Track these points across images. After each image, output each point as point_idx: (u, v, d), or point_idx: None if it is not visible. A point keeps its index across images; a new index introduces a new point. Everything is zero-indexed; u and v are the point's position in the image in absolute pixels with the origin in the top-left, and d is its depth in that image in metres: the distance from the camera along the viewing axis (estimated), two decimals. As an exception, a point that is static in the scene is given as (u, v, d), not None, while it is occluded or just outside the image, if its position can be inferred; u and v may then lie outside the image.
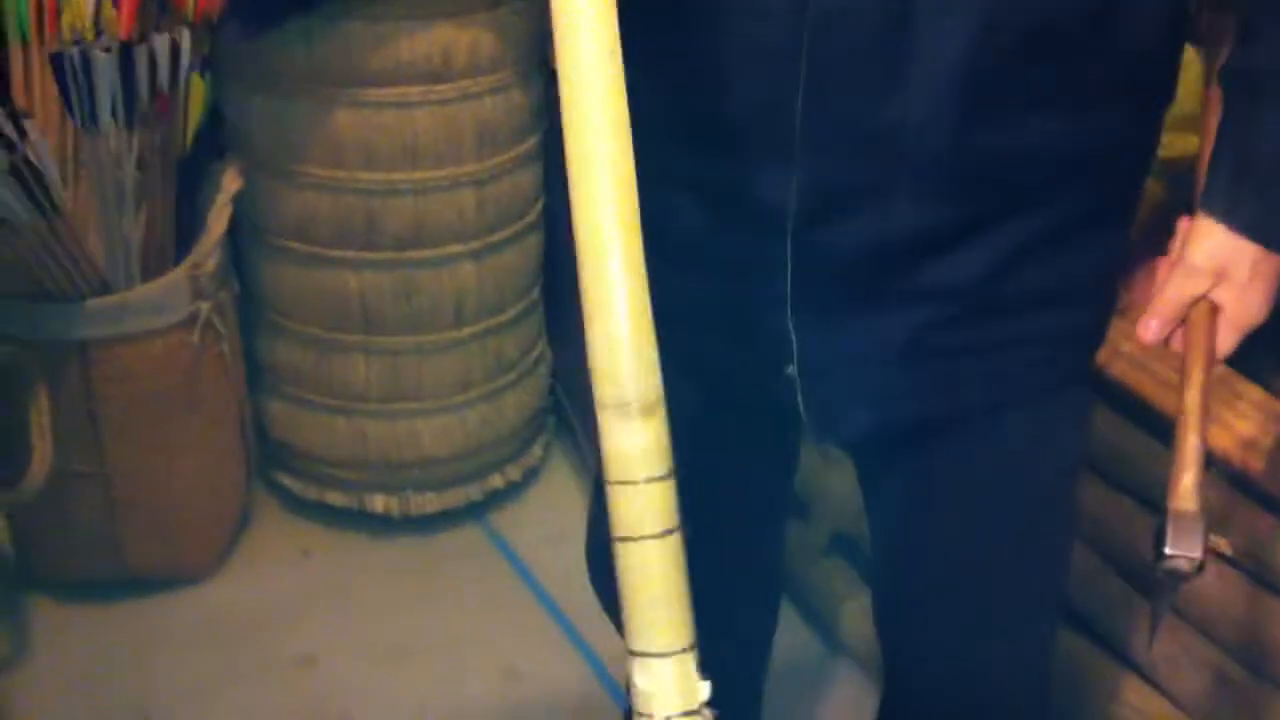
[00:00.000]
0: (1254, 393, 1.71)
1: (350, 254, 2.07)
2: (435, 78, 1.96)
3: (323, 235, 2.06)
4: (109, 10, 1.78)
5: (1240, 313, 1.05)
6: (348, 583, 2.20)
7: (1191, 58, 1.53)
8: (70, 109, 1.82)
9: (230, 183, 2.02)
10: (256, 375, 2.25)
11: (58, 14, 1.80)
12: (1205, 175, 1.07)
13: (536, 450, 2.38)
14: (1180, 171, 1.71)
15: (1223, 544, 1.67)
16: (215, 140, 2.08)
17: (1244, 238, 1.03)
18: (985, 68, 0.94)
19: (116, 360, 1.97)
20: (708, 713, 0.84)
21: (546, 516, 2.33)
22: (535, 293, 2.29)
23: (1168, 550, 1.03)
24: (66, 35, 1.78)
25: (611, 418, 0.83)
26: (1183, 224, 1.08)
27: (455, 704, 1.97)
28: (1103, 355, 1.37)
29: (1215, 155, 1.05)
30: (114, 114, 1.83)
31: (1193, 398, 1.05)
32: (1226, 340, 1.06)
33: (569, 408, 2.42)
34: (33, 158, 1.71)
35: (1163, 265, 1.08)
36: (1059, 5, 0.95)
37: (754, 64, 0.99)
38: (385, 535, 2.28)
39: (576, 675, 2.02)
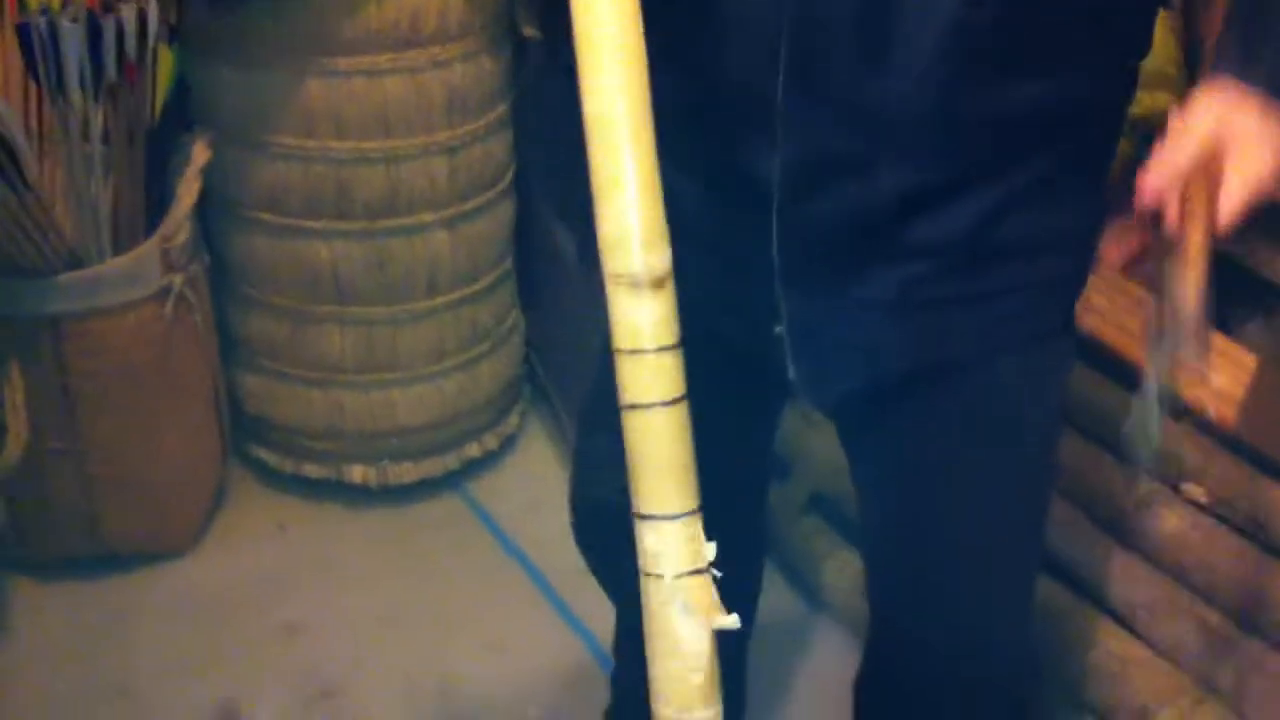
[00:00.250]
0: (1227, 345, 1.73)
1: (322, 224, 2.06)
2: (405, 45, 1.95)
3: (294, 206, 2.05)
4: (75, -21, 1.76)
5: (1248, 167, 0.97)
6: (327, 554, 2.19)
7: (1162, 16, 1.55)
8: (37, 80, 1.80)
9: (199, 154, 2.00)
10: (230, 349, 2.24)
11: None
12: (1217, 43, 1.05)
13: (513, 418, 2.39)
14: (1150, 129, 1.73)
15: (1198, 492, 1.70)
16: (184, 112, 2.06)
17: (1258, 91, 0.97)
18: (970, 34, 0.95)
19: (89, 335, 1.95)
20: (713, 572, 0.87)
21: (524, 484, 2.34)
22: (508, 261, 2.28)
23: (1169, 348, 0.95)
24: (33, 5, 1.76)
25: (622, 290, 0.85)
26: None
27: (440, 673, 1.97)
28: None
29: (1228, 21, 1.04)
30: (81, 85, 1.81)
31: (1194, 244, 0.98)
32: (1234, 198, 0.97)
33: (544, 376, 2.42)
34: (1, 130, 1.69)
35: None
36: None
37: (735, 40, 1.01)
38: (363, 506, 2.27)
39: (559, 640, 2.03)
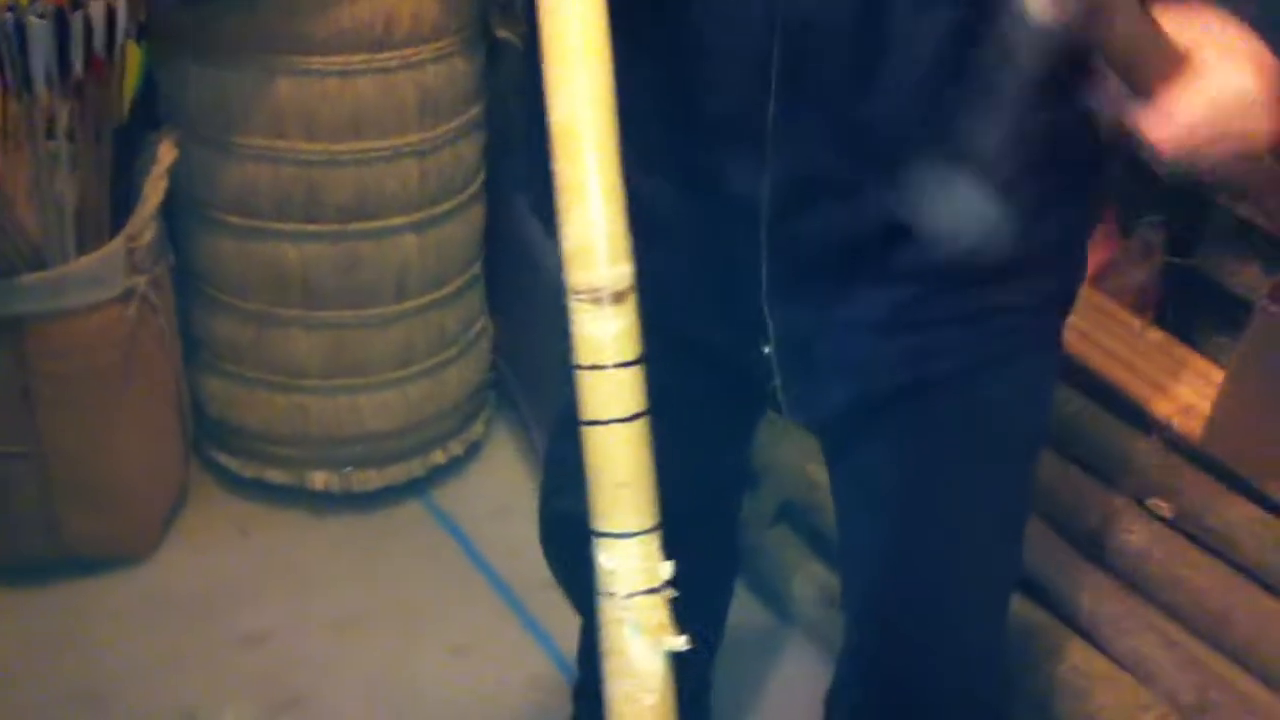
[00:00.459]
0: (1193, 359, 1.74)
1: (291, 226, 2.03)
2: (377, 45, 1.93)
3: (263, 207, 2.02)
4: (42, -26, 1.73)
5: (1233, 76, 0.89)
6: (290, 560, 2.17)
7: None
8: (2, 76, 1.77)
9: (166, 153, 1.98)
10: (193, 351, 2.21)
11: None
12: None
13: (479, 425, 2.37)
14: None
15: (1164, 507, 1.71)
16: (151, 110, 2.03)
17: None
18: (959, 63, 0.95)
19: (51, 336, 1.92)
20: (669, 591, 0.86)
21: (490, 491, 2.32)
22: (477, 266, 2.27)
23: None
24: (-1, 0, 1.73)
25: (584, 304, 0.84)
26: None
27: (403, 680, 1.95)
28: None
29: None
30: (48, 81, 1.78)
31: None
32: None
33: (512, 382, 2.40)
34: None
35: None
36: None
37: (725, 57, 1.00)
38: (326, 512, 2.25)
39: (523, 649, 2.01)
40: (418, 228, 2.09)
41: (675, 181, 1.07)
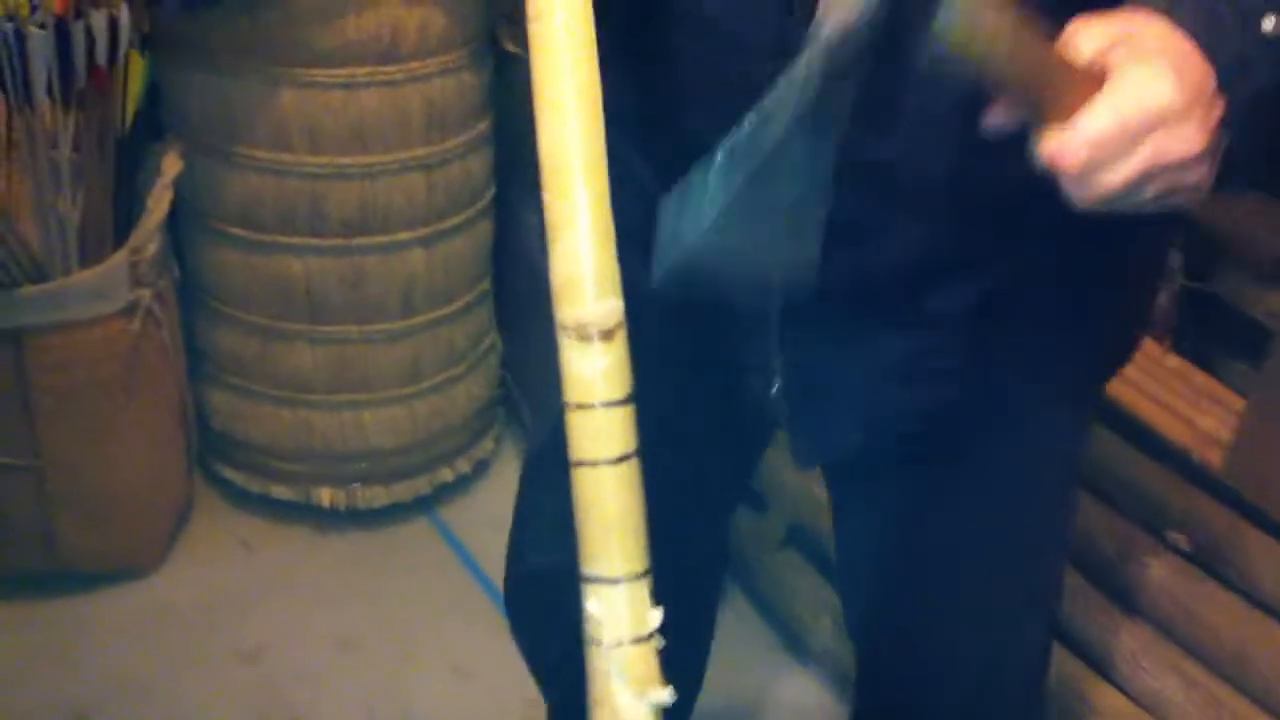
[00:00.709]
0: (1214, 388, 1.70)
1: (296, 240, 2.02)
2: (383, 58, 1.91)
3: (267, 220, 2.00)
4: (43, -16, 1.72)
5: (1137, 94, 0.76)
6: (293, 577, 2.14)
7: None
8: (3, 86, 1.75)
9: (170, 165, 1.96)
10: (197, 364, 2.19)
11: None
12: None
13: (487, 443, 2.34)
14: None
15: (1181, 540, 1.66)
16: (155, 121, 2.02)
17: (1181, 31, 0.78)
18: (984, 97, 0.90)
19: (53, 349, 1.90)
20: (658, 639, 0.83)
21: (497, 510, 2.26)
22: (486, 281, 2.24)
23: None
24: (-1, 10, 1.72)
25: (571, 341, 0.81)
26: None
27: (404, 701, 1.92)
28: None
29: None
30: (49, 92, 1.76)
31: None
32: (1096, 120, 0.76)
33: (520, 399, 2.37)
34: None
35: None
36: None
37: (737, 101, 0.95)
38: (331, 528, 2.22)
39: (525, 672, 1.96)
40: (425, 242, 2.07)
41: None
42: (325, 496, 2.19)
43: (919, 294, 0.99)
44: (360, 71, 1.91)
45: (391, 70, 1.92)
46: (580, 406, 0.82)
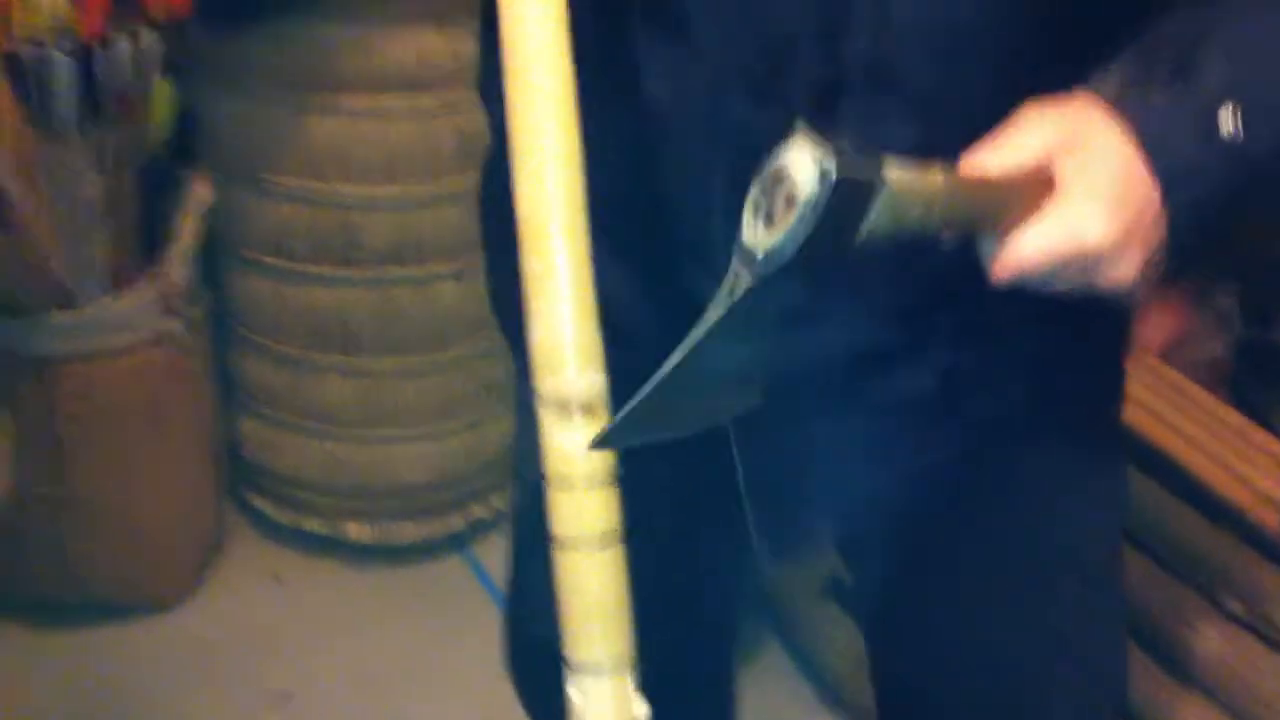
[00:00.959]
0: (1272, 445, 1.60)
1: (328, 270, 1.99)
2: (415, 86, 1.88)
3: (299, 250, 1.98)
4: (68, 10, 1.71)
5: (1071, 220, 0.74)
6: (323, 612, 2.11)
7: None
8: (31, 113, 1.74)
9: (201, 193, 1.95)
10: (229, 393, 2.17)
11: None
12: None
13: (523, 479, 2.29)
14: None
15: (1238, 607, 1.57)
16: (187, 148, 2.00)
17: (1131, 136, 0.75)
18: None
19: (81, 378, 1.89)
20: None
21: (531, 548, 2.24)
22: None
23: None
24: (22, 36, 1.71)
25: (551, 415, 0.77)
26: None
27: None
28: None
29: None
30: (76, 119, 1.75)
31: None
32: (1023, 247, 0.75)
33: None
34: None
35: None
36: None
37: (687, 185, 0.91)
38: (363, 563, 2.19)
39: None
40: (459, 276, 2.02)
41: (636, 292, 0.97)
42: (354, 531, 2.16)
43: (870, 380, 0.93)
44: (391, 100, 1.88)
45: (423, 99, 1.89)
46: (560, 482, 0.77)
